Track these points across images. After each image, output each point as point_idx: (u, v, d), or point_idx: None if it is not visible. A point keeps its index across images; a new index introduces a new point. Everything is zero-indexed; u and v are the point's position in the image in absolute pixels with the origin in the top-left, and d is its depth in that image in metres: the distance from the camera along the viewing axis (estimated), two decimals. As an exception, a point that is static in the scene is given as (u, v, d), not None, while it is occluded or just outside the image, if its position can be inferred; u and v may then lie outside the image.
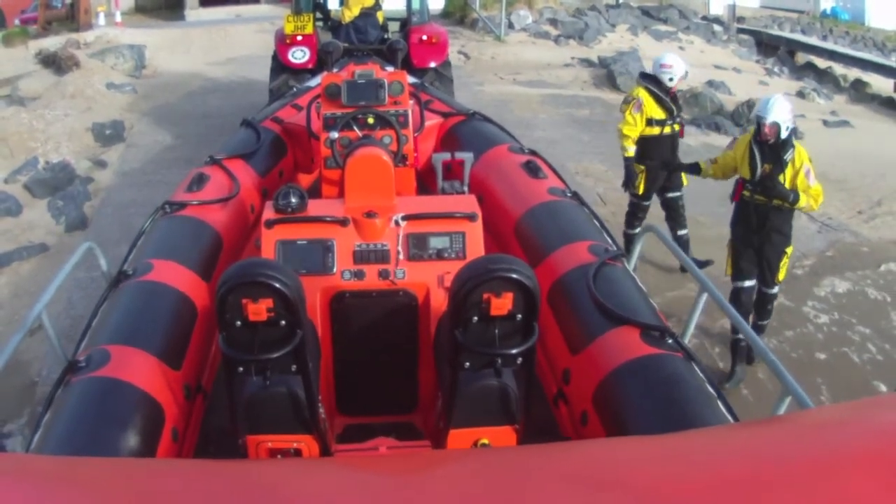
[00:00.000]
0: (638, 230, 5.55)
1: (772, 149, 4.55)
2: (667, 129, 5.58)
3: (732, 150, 4.84)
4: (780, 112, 4.48)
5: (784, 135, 4.52)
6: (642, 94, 5.54)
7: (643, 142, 5.56)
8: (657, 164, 5.58)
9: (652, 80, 5.61)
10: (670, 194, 5.76)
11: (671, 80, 5.53)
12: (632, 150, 5.57)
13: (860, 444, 1.27)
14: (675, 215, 5.79)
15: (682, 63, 5.65)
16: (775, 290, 4.78)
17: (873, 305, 5.52)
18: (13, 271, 5.90)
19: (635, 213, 5.81)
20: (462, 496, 1.33)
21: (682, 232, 5.80)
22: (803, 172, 4.51)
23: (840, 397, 4.46)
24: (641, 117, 5.51)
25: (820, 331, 5.15)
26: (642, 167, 5.61)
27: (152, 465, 2.06)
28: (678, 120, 5.66)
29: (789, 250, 4.71)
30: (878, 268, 6.00)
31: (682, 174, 5.64)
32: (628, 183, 5.69)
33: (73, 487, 1.42)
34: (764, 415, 3.56)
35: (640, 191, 5.66)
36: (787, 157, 4.53)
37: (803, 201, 4.52)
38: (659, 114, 5.55)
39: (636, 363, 2.79)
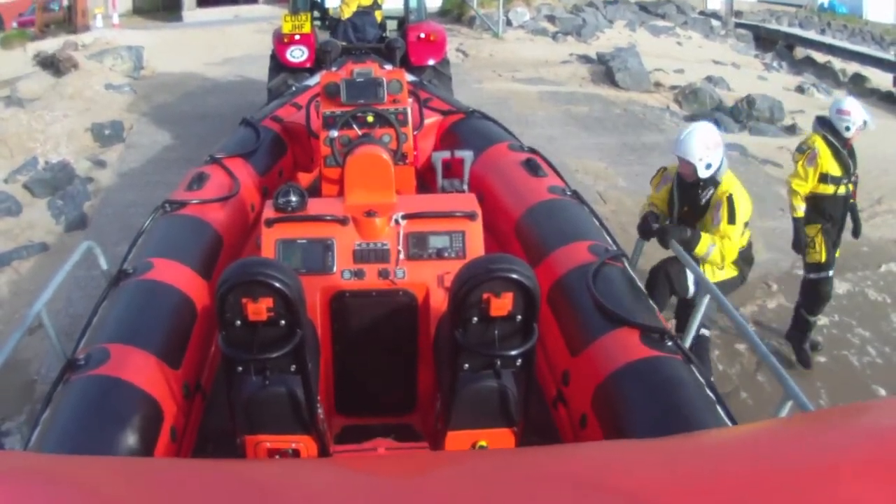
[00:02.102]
0: (819, 318, 4.92)
1: (691, 188, 4.00)
2: (841, 189, 4.75)
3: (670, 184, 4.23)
4: (695, 148, 3.90)
5: (704, 174, 3.93)
6: (819, 145, 4.72)
7: (814, 201, 4.77)
8: (829, 225, 4.78)
9: (829, 128, 4.79)
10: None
11: (848, 129, 4.73)
12: (802, 210, 4.77)
13: (859, 449, 1.27)
14: None
15: (862, 110, 4.82)
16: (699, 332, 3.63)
17: (873, 307, 5.48)
18: (13, 270, 5.91)
19: (819, 291, 4.82)
20: (460, 498, 1.32)
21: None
22: (713, 207, 3.88)
23: (839, 401, 4.42)
24: (815, 172, 4.69)
25: (820, 333, 5.11)
26: (817, 228, 4.76)
27: (150, 465, 2.06)
28: (854, 179, 4.82)
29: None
30: (878, 268, 5.96)
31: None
32: (798, 248, 4.86)
33: (71, 486, 1.42)
34: (763, 418, 3.54)
35: (823, 258, 4.76)
36: (704, 198, 3.95)
37: (703, 245, 3.82)
38: (835, 170, 4.72)
39: (636, 365, 2.77)
